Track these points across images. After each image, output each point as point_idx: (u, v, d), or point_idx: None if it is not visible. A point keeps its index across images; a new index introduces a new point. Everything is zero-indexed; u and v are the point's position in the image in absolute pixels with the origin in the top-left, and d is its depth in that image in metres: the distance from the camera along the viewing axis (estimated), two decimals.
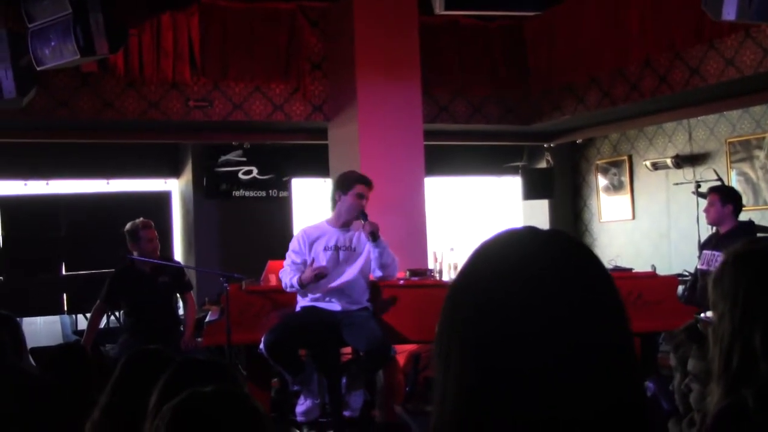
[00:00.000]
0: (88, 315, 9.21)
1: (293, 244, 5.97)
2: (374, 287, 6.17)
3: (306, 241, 5.91)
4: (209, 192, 10.26)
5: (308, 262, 5.80)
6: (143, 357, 2.68)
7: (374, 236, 5.76)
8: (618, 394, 1.09)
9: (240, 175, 10.33)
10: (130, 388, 2.43)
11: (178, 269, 7.21)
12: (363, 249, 5.93)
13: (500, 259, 1.14)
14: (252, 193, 10.37)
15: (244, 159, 10.34)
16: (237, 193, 10.33)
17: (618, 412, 1.09)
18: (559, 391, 1.07)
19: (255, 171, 10.36)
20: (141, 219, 6.90)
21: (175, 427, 1.74)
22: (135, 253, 6.78)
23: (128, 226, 6.83)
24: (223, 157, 10.26)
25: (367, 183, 5.98)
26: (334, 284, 5.87)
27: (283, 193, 10.59)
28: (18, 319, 8.83)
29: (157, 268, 6.82)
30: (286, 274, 5.86)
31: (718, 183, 9.05)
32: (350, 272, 5.90)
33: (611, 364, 1.10)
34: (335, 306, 5.87)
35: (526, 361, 1.07)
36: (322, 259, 5.84)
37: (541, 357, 1.07)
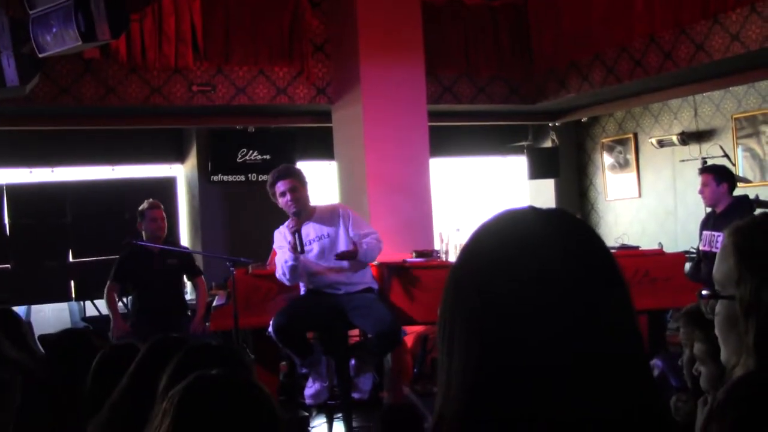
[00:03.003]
0: (96, 302, 9.30)
1: (276, 240, 5.90)
2: (381, 268, 6.16)
3: (285, 233, 5.87)
4: (214, 176, 10.24)
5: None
6: (165, 344, 2.72)
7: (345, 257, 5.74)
8: (622, 369, 1.09)
9: (245, 159, 10.31)
10: (150, 373, 2.46)
11: (187, 253, 7.29)
12: (338, 233, 5.87)
13: (501, 238, 1.14)
14: (257, 177, 10.34)
15: (264, 158, 10.32)
16: (242, 177, 10.31)
17: (623, 386, 1.09)
18: (563, 367, 1.07)
19: (260, 155, 10.34)
20: (149, 200, 7.07)
21: (183, 410, 1.75)
22: (143, 233, 6.92)
23: (139, 207, 7.00)
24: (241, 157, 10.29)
25: (279, 177, 5.82)
26: (330, 278, 5.86)
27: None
28: (25, 306, 8.93)
29: (165, 249, 6.91)
30: (279, 261, 5.82)
31: (722, 159, 9.02)
32: (334, 259, 5.86)
33: (615, 340, 1.10)
34: (338, 290, 5.86)
35: (530, 339, 1.07)
36: (309, 255, 5.81)
37: (545, 334, 1.07)
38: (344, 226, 5.84)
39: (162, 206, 7.08)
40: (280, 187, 5.78)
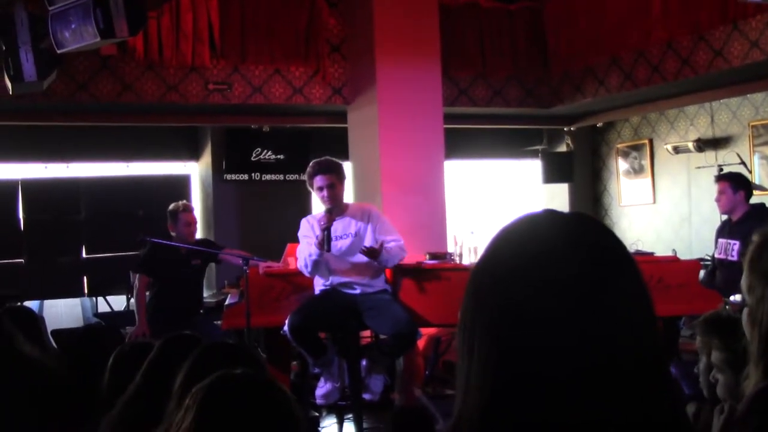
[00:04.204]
0: (109, 298, 9.32)
1: (303, 229, 5.92)
2: (394, 270, 6.15)
3: (314, 225, 5.88)
4: (228, 175, 10.26)
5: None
6: (179, 341, 2.72)
7: (371, 255, 5.72)
8: (641, 375, 1.09)
9: (259, 158, 10.32)
10: (165, 370, 2.47)
11: (207, 251, 7.19)
12: (365, 234, 5.88)
13: (523, 242, 1.14)
14: (271, 176, 10.36)
15: (279, 157, 10.33)
16: (256, 176, 10.33)
17: (642, 392, 1.08)
18: (581, 373, 1.06)
19: (274, 154, 10.34)
20: (183, 201, 7.10)
21: (207, 407, 1.76)
22: (173, 234, 6.89)
23: (171, 206, 6.98)
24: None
25: (319, 171, 5.81)
26: (347, 276, 5.85)
27: (302, 176, 10.55)
28: (38, 301, 8.96)
29: (191, 250, 6.87)
30: (302, 251, 5.85)
31: (738, 166, 8.97)
32: (358, 258, 5.86)
33: (634, 346, 1.09)
34: (354, 290, 5.86)
35: (548, 346, 1.07)
36: (334, 249, 5.81)
37: (564, 340, 1.07)
38: (372, 228, 5.85)
39: (193, 208, 7.06)
40: (318, 181, 5.79)
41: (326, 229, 5.63)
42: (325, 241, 5.61)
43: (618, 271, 1.12)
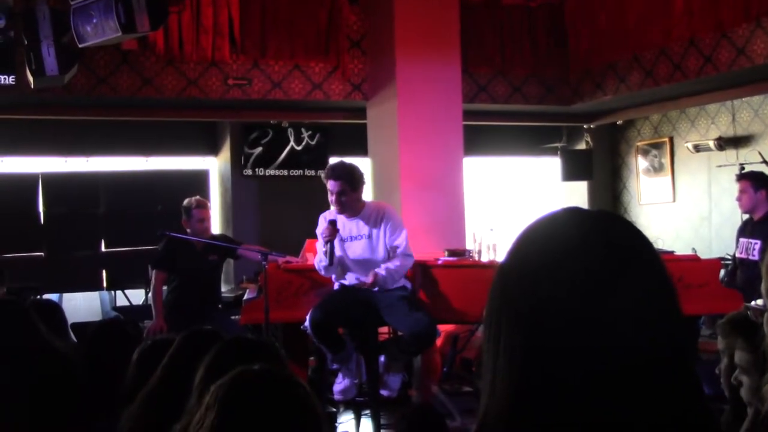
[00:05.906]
0: (127, 292, 9.35)
1: (320, 226, 5.87)
2: (413, 267, 6.14)
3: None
4: (247, 170, 10.27)
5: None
6: (199, 336, 2.73)
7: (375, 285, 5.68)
8: (666, 375, 1.08)
9: (278, 154, 10.32)
10: (185, 365, 2.47)
11: (224, 246, 7.16)
12: (379, 236, 5.84)
13: (548, 240, 1.13)
14: (290, 172, 10.36)
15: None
16: (275, 172, 10.33)
17: (667, 392, 1.07)
18: (606, 373, 1.05)
19: (293, 149, 10.35)
20: (197, 197, 6.97)
21: (228, 404, 1.76)
22: (188, 230, 6.83)
23: (185, 202, 6.89)
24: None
25: (331, 176, 5.73)
26: (364, 278, 5.82)
27: (321, 172, 10.55)
28: (57, 295, 9.00)
29: (208, 246, 6.85)
30: (320, 250, 5.83)
31: (760, 165, 8.90)
32: (374, 258, 5.83)
33: (660, 346, 1.08)
34: (373, 287, 5.83)
35: (577, 341, 1.06)
36: (348, 251, 5.80)
37: (593, 336, 1.06)
38: (384, 230, 5.81)
39: (208, 204, 6.98)
40: (329, 186, 5.75)
41: (329, 242, 5.62)
42: (328, 254, 5.60)
43: (642, 269, 1.11)
